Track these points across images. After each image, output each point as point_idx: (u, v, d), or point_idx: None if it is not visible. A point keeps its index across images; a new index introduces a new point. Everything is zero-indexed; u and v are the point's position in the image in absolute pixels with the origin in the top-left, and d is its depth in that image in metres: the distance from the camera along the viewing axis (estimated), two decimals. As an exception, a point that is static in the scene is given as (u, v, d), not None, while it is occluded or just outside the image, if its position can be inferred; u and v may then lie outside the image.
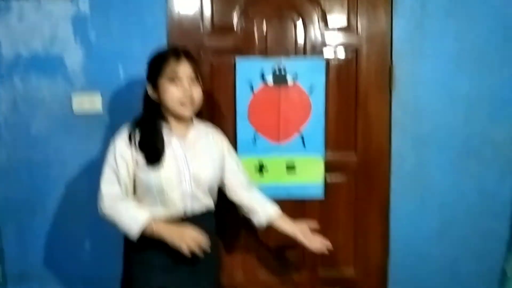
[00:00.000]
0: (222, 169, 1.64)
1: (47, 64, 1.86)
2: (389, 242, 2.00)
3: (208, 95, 1.89)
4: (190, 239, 1.43)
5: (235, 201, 1.68)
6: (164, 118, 1.53)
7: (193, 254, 1.44)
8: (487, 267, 2.03)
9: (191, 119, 1.59)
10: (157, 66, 1.48)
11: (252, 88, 1.89)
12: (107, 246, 1.87)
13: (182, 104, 1.48)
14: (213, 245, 1.54)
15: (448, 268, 2.02)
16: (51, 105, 1.88)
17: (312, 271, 2.02)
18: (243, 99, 1.90)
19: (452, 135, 1.95)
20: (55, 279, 1.97)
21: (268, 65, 1.88)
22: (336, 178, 1.98)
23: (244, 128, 1.91)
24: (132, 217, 1.44)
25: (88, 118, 1.88)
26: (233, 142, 1.91)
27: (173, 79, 1.46)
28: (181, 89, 1.47)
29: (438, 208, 1.99)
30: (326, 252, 1.66)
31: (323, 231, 1.96)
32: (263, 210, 1.66)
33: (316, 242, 1.65)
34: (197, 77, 1.50)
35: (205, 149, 1.59)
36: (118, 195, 1.47)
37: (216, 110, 1.92)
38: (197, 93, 1.50)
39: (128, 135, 1.49)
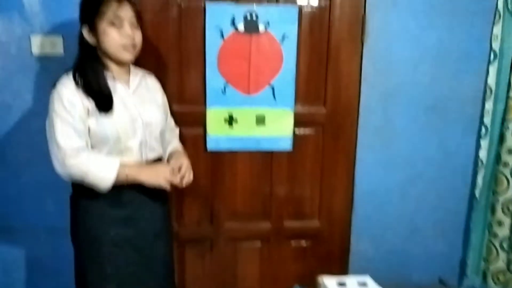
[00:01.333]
0: (165, 113, 1.63)
1: (2, 2, 1.72)
2: (353, 194, 2.05)
3: (176, 41, 1.83)
4: (166, 174, 1.46)
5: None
6: (103, 64, 1.45)
7: (144, 204, 1.49)
8: (445, 220, 2.11)
9: (129, 64, 1.54)
10: (95, 8, 1.38)
11: (222, 35, 1.82)
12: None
13: (124, 48, 1.41)
14: (164, 194, 1.54)
15: (408, 220, 2.10)
16: (8, 47, 1.77)
17: (278, 222, 2.05)
18: (213, 46, 1.83)
19: (420, 91, 1.97)
20: (21, 229, 1.93)
21: (239, 11, 1.81)
22: (305, 130, 1.98)
23: (213, 77, 1.86)
24: (103, 165, 1.39)
25: (49, 60, 1.78)
26: (203, 92, 1.87)
27: (115, 22, 1.38)
28: (123, 33, 1.40)
29: (402, 163, 2.03)
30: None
31: (290, 182, 2.01)
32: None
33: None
34: (138, 21, 1.44)
35: (149, 94, 1.56)
36: (79, 146, 1.38)
37: (184, 57, 1.86)
38: (138, 37, 1.45)
39: (73, 83, 1.39)
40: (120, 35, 1.39)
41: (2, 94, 1.80)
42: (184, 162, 1.54)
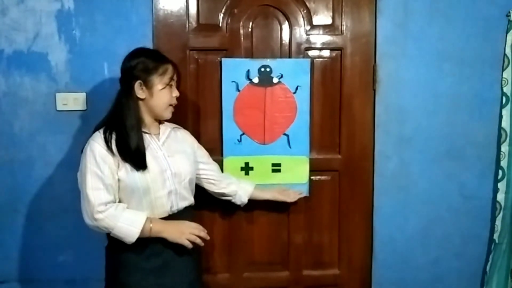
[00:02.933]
0: (196, 163, 1.68)
1: (31, 62, 1.83)
2: (372, 241, 2.02)
3: (193, 94, 1.91)
4: (189, 233, 1.50)
5: (216, 191, 1.77)
6: (141, 119, 1.53)
7: (177, 254, 1.51)
8: (468, 266, 2.07)
9: None
10: (155, 67, 1.49)
11: (237, 88, 1.89)
12: (92, 247, 1.84)
13: (170, 107, 1.55)
14: (194, 245, 1.55)
15: (430, 267, 2.05)
16: (34, 103, 1.85)
17: (297, 271, 2.02)
18: (229, 99, 1.89)
19: (434, 136, 1.98)
20: (39, 281, 1.93)
21: (253, 65, 1.88)
22: (321, 177, 1.99)
23: (230, 128, 1.91)
24: (129, 221, 1.43)
25: (72, 116, 1.86)
26: (219, 141, 1.92)
27: (169, 84, 1.52)
28: (173, 94, 1.55)
29: (421, 208, 2.02)
30: (302, 196, 1.92)
31: (307, 230, 2.01)
32: (242, 189, 1.80)
33: (292, 194, 1.89)
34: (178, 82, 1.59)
35: (177, 145, 1.62)
36: (108, 201, 1.43)
37: (202, 109, 1.92)
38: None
39: (104, 139, 1.45)
40: (170, 95, 1.54)
41: (28, 148, 1.87)
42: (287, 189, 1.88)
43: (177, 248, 1.51)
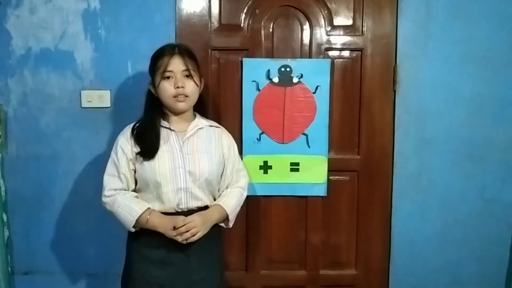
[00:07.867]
0: (222, 165, 1.64)
1: (57, 59, 1.88)
2: (390, 243, 2.02)
3: (214, 93, 1.94)
4: (183, 229, 1.46)
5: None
6: (163, 114, 1.59)
7: (187, 249, 1.51)
8: (488, 270, 2.04)
9: (194, 115, 1.64)
10: (153, 64, 1.54)
11: (258, 87, 1.91)
12: (113, 241, 1.88)
13: (176, 99, 1.52)
14: (210, 239, 1.56)
15: (449, 271, 2.03)
16: (60, 100, 1.91)
17: (314, 270, 2.03)
18: (249, 98, 1.92)
19: (455, 137, 1.97)
20: (61, 273, 1.99)
21: (274, 65, 1.90)
22: (339, 177, 1.99)
23: (249, 127, 1.93)
24: (128, 208, 1.50)
25: (96, 113, 1.91)
26: (239, 140, 1.94)
27: (166, 74, 1.51)
28: (174, 84, 1.51)
29: (440, 210, 2.00)
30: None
31: (325, 229, 2.01)
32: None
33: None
34: (190, 72, 1.53)
35: (204, 144, 1.60)
36: (118, 187, 1.54)
37: (222, 108, 1.95)
38: (190, 87, 1.53)
39: (131, 130, 1.56)
40: (171, 86, 1.51)
41: (53, 144, 1.92)
42: (190, 219, 1.48)
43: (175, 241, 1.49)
